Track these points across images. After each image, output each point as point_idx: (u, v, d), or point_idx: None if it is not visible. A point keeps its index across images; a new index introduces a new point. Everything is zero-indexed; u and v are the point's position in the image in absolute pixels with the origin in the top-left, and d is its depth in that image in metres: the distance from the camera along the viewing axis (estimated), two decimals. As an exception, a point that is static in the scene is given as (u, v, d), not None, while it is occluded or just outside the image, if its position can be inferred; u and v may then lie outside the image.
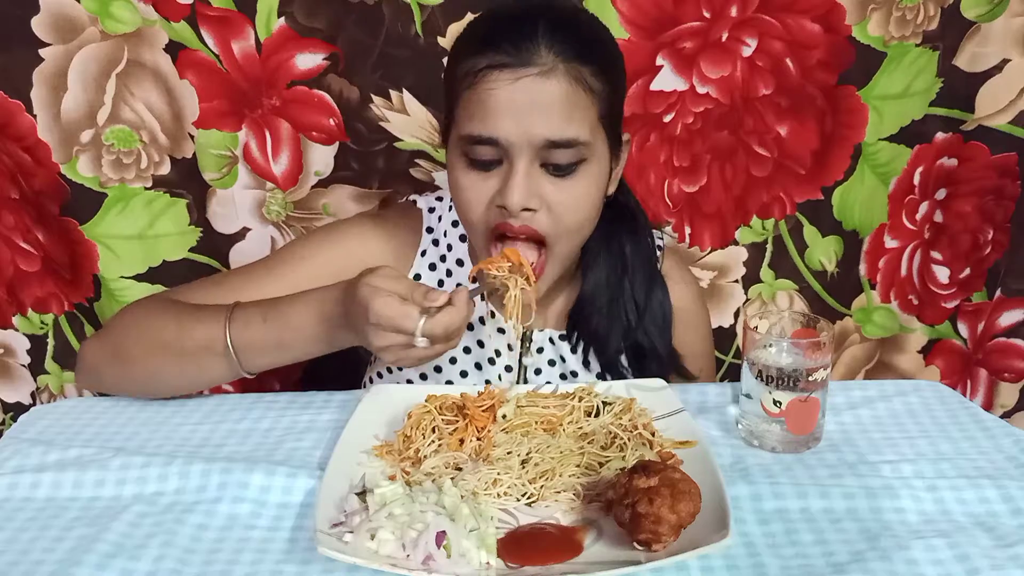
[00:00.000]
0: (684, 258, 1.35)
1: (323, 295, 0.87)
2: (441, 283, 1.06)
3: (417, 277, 1.05)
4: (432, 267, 1.05)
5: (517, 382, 1.04)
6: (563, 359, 1.06)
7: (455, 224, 1.04)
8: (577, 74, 0.86)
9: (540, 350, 1.06)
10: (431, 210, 1.07)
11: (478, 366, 1.04)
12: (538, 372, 1.06)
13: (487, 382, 1.03)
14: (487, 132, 0.85)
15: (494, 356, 1.05)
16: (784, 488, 0.78)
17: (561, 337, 1.06)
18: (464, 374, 1.05)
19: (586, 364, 1.05)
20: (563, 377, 1.06)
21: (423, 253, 1.06)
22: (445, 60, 1.24)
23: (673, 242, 1.16)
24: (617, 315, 1.03)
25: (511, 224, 0.88)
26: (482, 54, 0.86)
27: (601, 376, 1.05)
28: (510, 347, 1.05)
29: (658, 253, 1.09)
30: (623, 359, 1.05)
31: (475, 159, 0.88)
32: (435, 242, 1.06)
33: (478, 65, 0.86)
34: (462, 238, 1.04)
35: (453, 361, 1.05)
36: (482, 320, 1.05)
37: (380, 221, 1.08)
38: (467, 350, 1.04)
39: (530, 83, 0.85)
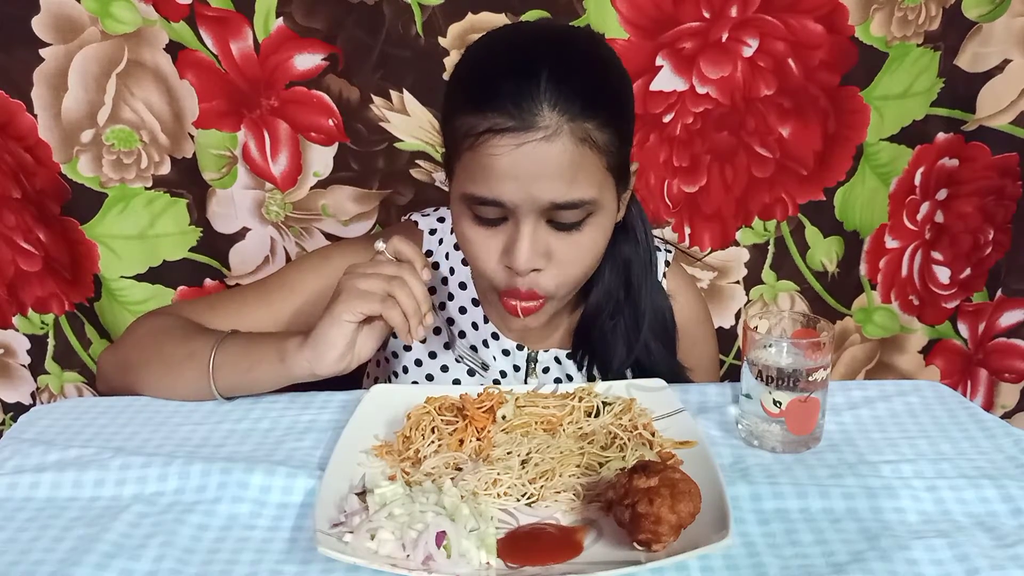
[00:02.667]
0: (685, 258, 1.35)
1: (291, 333, 0.92)
2: (443, 306, 1.05)
3: None
4: (432, 290, 1.05)
5: None
6: (569, 378, 1.06)
7: (458, 247, 1.02)
8: (583, 133, 0.83)
9: (546, 370, 1.06)
10: (432, 232, 1.06)
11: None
12: None
13: (495, 381, 1.03)
14: (491, 195, 0.83)
15: (499, 377, 1.05)
16: (784, 488, 0.78)
17: (568, 356, 1.06)
18: None
19: (591, 381, 1.05)
20: None
21: None
22: (448, 60, 1.27)
23: (680, 256, 1.15)
24: (620, 332, 1.02)
25: (519, 290, 0.88)
26: (482, 114, 0.82)
27: None
28: (516, 368, 1.05)
29: (663, 268, 1.08)
30: (628, 375, 1.04)
31: (480, 216, 0.87)
32: (435, 265, 1.05)
33: (478, 127, 0.83)
34: (465, 261, 1.04)
35: (457, 382, 1.04)
36: (486, 343, 1.05)
37: (352, 255, 1.06)
38: (471, 372, 1.04)
39: (534, 148, 0.81)
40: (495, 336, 1.05)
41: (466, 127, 0.84)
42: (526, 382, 1.05)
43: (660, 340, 1.04)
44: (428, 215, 1.09)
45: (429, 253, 1.05)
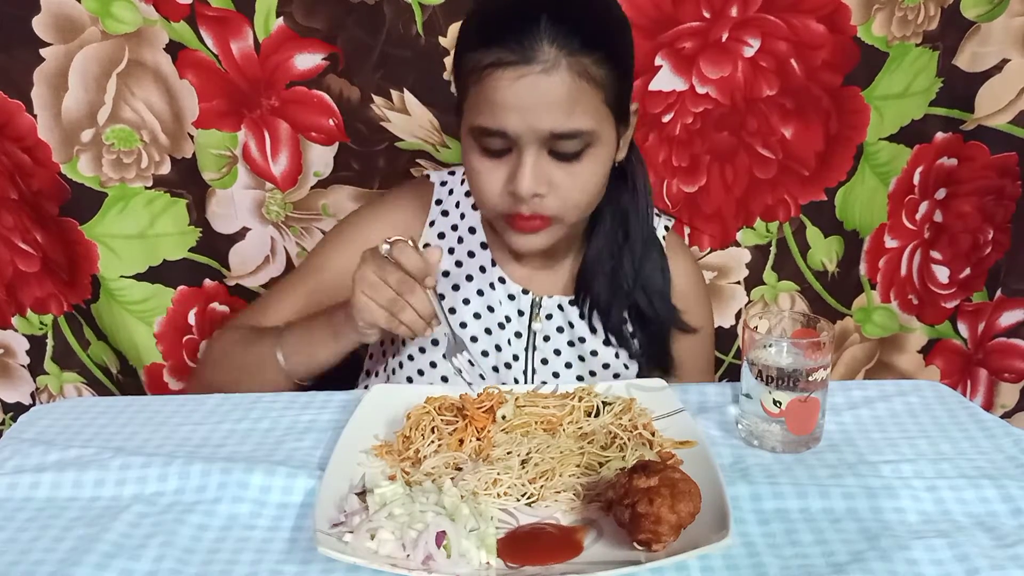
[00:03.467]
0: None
1: (337, 306, 0.99)
2: (452, 250, 1.09)
3: (427, 246, 1.08)
4: (441, 235, 1.09)
5: (526, 349, 1.07)
6: (571, 324, 1.08)
7: (468, 194, 1.08)
8: (580, 68, 0.88)
9: (549, 316, 1.08)
10: (443, 183, 1.11)
11: (488, 331, 1.07)
12: (547, 339, 1.08)
13: (499, 325, 1.07)
14: (495, 125, 0.89)
15: (504, 321, 1.07)
16: (784, 488, 0.78)
17: (570, 303, 1.08)
18: (474, 339, 1.06)
19: (592, 330, 1.08)
20: (571, 344, 1.08)
21: (431, 223, 1.09)
22: (448, 60, 1.27)
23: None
24: (618, 281, 1.06)
25: (522, 213, 0.93)
26: (487, 49, 0.88)
27: (606, 342, 1.08)
28: (520, 313, 1.07)
29: (663, 231, 1.12)
30: (628, 324, 1.08)
31: (486, 147, 0.92)
32: (444, 212, 1.09)
33: (483, 61, 0.88)
34: (474, 207, 1.08)
35: (464, 325, 1.07)
36: (492, 286, 1.07)
37: (382, 204, 1.14)
38: (477, 315, 1.06)
39: (534, 80, 0.87)
40: (501, 280, 1.07)
41: (473, 62, 0.90)
42: (530, 327, 1.07)
43: (656, 292, 1.08)
44: (440, 171, 1.14)
45: (439, 202, 1.10)
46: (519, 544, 0.72)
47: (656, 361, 1.10)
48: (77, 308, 1.38)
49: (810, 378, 0.84)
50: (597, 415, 0.88)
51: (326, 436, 0.90)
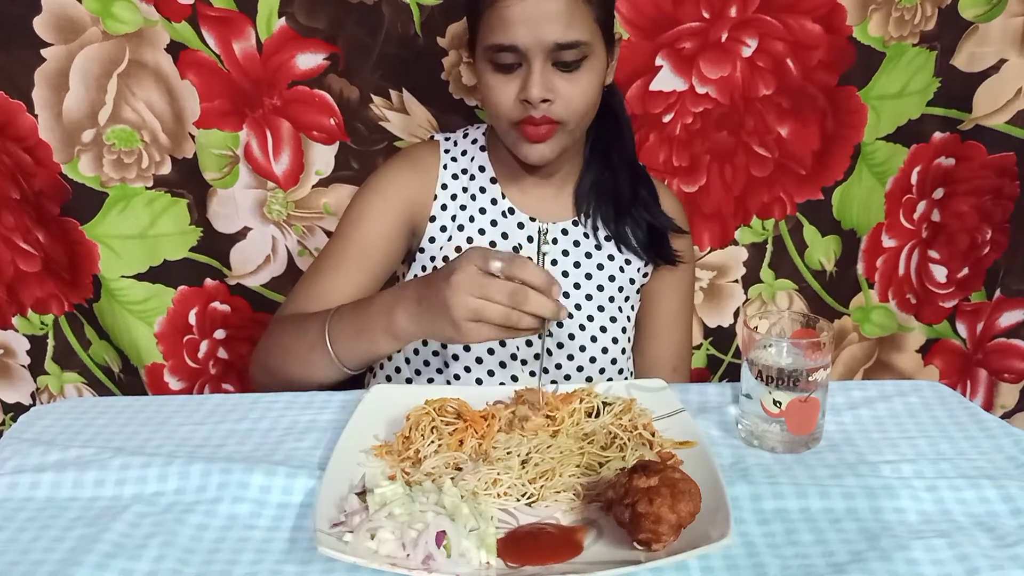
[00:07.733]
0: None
1: (401, 286, 0.97)
2: (465, 189, 1.15)
3: (443, 187, 1.15)
4: (455, 176, 1.16)
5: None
6: (577, 243, 1.17)
7: (473, 142, 1.18)
8: None
9: (555, 241, 1.16)
10: (447, 138, 1.20)
11: None
12: (554, 263, 1.15)
13: (514, 248, 1.13)
14: (507, 40, 1.00)
15: (516, 247, 1.14)
16: (784, 488, 0.79)
17: (573, 223, 1.17)
18: None
19: (598, 246, 1.17)
20: (576, 265, 1.16)
21: (444, 166, 1.16)
22: (446, 60, 1.27)
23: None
24: (616, 195, 1.17)
25: (533, 116, 1.03)
26: None
27: (611, 256, 1.17)
28: (530, 239, 1.15)
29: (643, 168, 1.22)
30: (628, 233, 1.18)
31: (499, 64, 1.03)
32: (453, 159, 1.17)
33: None
34: (483, 147, 1.17)
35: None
36: (504, 215, 1.15)
37: (398, 159, 1.18)
38: (493, 244, 1.14)
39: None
40: (511, 211, 1.15)
41: None
42: (539, 251, 1.08)
43: (646, 207, 1.18)
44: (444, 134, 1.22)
45: (447, 151, 1.17)
46: (519, 544, 0.72)
47: (660, 255, 1.18)
48: (78, 308, 1.38)
49: (810, 378, 0.84)
50: (597, 415, 0.88)
51: (326, 436, 0.90)
